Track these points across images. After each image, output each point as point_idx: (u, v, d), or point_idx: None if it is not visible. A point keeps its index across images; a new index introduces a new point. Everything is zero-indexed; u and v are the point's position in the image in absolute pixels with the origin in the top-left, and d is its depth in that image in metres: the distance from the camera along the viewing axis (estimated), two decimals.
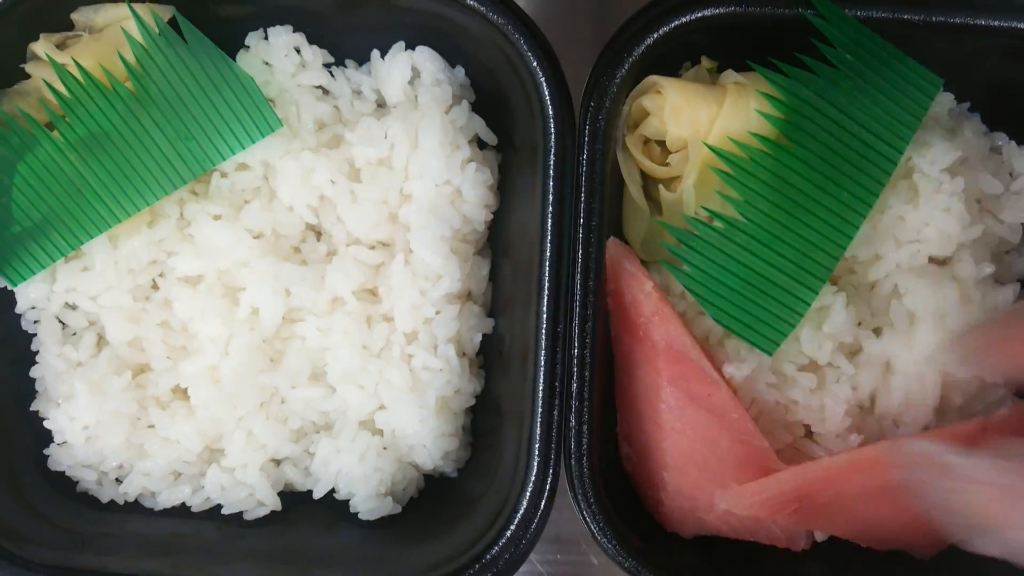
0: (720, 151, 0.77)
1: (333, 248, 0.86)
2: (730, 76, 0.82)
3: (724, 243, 0.77)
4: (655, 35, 0.78)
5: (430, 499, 0.91)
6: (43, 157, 0.79)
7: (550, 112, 0.77)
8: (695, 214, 0.79)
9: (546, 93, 0.78)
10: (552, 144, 0.77)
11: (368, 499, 0.86)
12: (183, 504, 0.87)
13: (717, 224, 0.77)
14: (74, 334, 0.86)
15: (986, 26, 0.78)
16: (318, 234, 0.88)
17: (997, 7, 0.78)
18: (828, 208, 0.77)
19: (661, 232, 0.81)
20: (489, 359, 0.90)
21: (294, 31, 0.85)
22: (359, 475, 0.86)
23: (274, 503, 0.87)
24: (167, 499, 0.86)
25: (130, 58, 0.79)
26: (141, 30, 0.79)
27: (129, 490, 0.86)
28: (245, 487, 0.86)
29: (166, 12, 0.81)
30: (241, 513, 0.87)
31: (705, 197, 0.80)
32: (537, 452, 0.76)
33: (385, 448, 0.87)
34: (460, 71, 0.88)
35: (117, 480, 0.88)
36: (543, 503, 0.77)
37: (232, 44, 0.84)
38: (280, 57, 0.85)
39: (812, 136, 0.77)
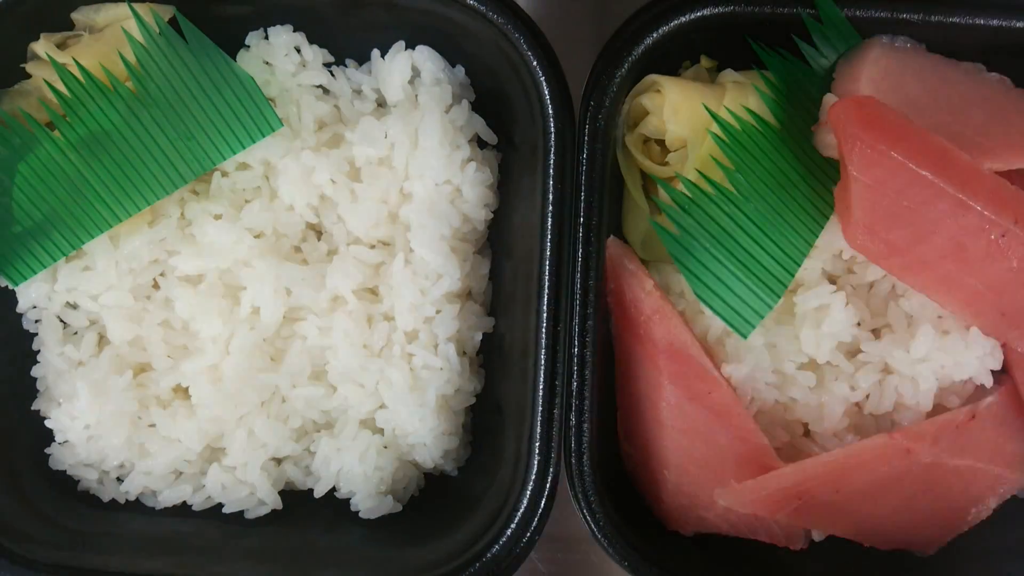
0: (718, 117, 0.78)
1: (334, 247, 0.86)
2: (729, 75, 0.82)
3: (712, 209, 0.78)
4: (654, 35, 0.78)
5: (430, 498, 0.91)
6: (44, 157, 0.79)
7: (550, 111, 0.78)
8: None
9: (546, 92, 0.78)
10: (552, 143, 0.78)
11: (369, 498, 0.87)
12: (184, 503, 0.87)
13: (707, 188, 0.78)
14: (75, 333, 0.87)
15: (985, 25, 0.78)
16: (319, 233, 0.88)
17: (997, 7, 0.78)
18: (811, 187, 0.79)
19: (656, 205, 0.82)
20: (489, 358, 0.90)
21: (294, 31, 0.86)
22: (360, 474, 0.86)
23: (275, 502, 0.87)
24: (168, 498, 0.86)
25: (131, 58, 0.79)
26: (141, 30, 0.79)
27: (130, 489, 0.86)
28: (246, 486, 0.86)
29: (166, 12, 0.81)
30: (242, 512, 0.87)
31: None
32: (537, 451, 0.76)
33: (386, 447, 0.87)
34: (460, 71, 0.88)
35: (118, 479, 0.88)
36: (543, 501, 0.77)
37: (232, 44, 0.84)
38: (280, 57, 0.85)
39: (799, 119, 0.79)
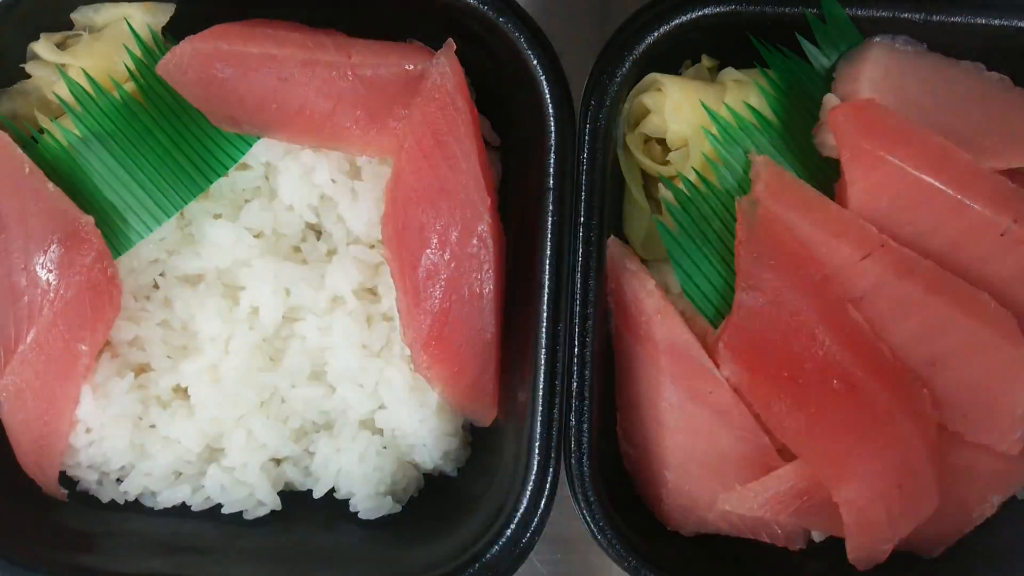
0: (715, 115, 0.79)
1: (333, 247, 0.86)
2: (730, 73, 0.82)
3: (706, 208, 0.79)
4: (655, 34, 0.78)
5: (430, 498, 0.91)
6: (50, 160, 0.79)
7: (550, 111, 0.78)
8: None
9: (546, 92, 0.78)
10: (552, 143, 0.77)
11: (368, 498, 0.86)
12: (183, 503, 0.87)
13: (702, 187, 0.79)
14: None
15: (985, 25, 0.78)
16: (318, 233, 0.88)
17: (997, 7, 0.78)
18: (810, 185, 0.78)
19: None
20: None
21: None
22: (359, 474, 0.86)
23: (274, 502, 0.87)
24: (167, 498, 0.86)
25: (130, 59, 0.79)
26: (137, 41, 0.79)
27: (130, 489, 0.86)
28: (245, 486, 0.86)
29: (167, 11, 0.81)
30: (241, 512, 0.87)
31: None
32: (537, 451, 0.76)
33: (385, 447, 0.87)
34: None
35: (118, 480, 0.88)
36: (543, 502, 0.77)
37: None
38: None
39: (800, 117, 0.80)
